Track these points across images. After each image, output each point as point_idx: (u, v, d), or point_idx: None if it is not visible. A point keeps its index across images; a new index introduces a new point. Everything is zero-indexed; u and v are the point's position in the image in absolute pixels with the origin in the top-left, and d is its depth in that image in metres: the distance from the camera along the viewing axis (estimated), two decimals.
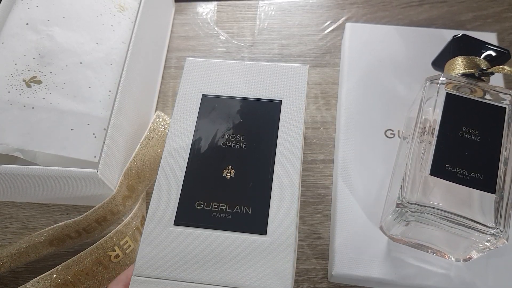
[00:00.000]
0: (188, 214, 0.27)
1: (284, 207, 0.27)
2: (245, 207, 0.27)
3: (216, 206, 0.27)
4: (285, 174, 0.28)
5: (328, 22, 0.51)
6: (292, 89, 0.32)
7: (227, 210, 0.27)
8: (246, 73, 0.33)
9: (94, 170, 0.33)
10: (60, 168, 0.34)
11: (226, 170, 0.29)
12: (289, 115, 0.31)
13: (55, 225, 0.35)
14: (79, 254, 0.35)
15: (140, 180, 0.39)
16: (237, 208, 0.27)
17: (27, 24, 0.40)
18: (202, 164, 0.29)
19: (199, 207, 0.28)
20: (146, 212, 0.30)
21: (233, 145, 0.29)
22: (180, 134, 0.31)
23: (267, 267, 0.25)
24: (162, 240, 0.27)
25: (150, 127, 0.40)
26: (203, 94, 0.32)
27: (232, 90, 0.32)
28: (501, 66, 0.33)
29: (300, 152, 0.29)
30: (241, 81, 0.32)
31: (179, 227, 0.27)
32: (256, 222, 0.27)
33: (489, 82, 0.34)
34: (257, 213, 0.27)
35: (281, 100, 0.31)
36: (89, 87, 0.38)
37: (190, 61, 0.34)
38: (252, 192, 0.28)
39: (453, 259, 0.33)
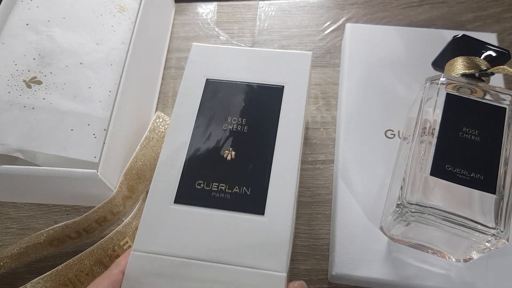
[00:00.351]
0: (188, 193, 0.28)
1: (283, 190, 0.27)
2: (244, 187, 0.27)
3: (216, 186, 0.28)
4: (285, 157, 0.29)
5: (328, 23, 0.51)
6: (295, 75, 0.32)
7: (227, 190, 0.27)
8: (250, 59, 0.33)
9: (94, 171, 0.33)
10: (60, 168, 0.34)
11: (227, 152, 0.29)
12: (291, 101, 0.31)
13: (55, 226, 0.35)
14: (79, 255, 0.35)
15: (140, 181, 0.39)
16: (236, 189, 0.27)
17: (27, 24, 0.40)
18: (204, 146, 0.29)
19: (199, 187, 0.28)
20: None
21: (235, 128, 0.30)
22: (183, 116, 0.31)
23: (264, 246, 0.26)
24: (161, 218, 0.27)
25: (150, 128, 0.40)
26: (207, 78, 0.32)
27: (236, 75, 0.32)
28: (501, 67, 0.33)
29: (300, 136, 0.29)
30: (244, 66, 0.33)
31: (179, 205, 0.28)
32: (254, 203, 0.27)
33: (489, 82, 0.34)
34: (255, 194, 0.27)
35: (283, 86, 0.32)
36: (89, 88, 0.38)
37: (196, 46, 0.35)
38: (252, 173, 0.28)
39: (454, 260, 0.33)
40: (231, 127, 0.30)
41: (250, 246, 0.26)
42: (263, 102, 0.31)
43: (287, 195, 0.27)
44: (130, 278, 0.26)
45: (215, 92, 0.32)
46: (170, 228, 0.27)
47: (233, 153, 0.29)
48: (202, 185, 0.28)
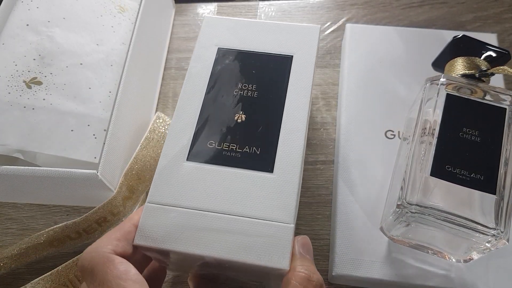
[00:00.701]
0: (200, 152, 0.29)
1: (291, 149, 0.29)
2: (254, 147, 0.29)
3: (226, 146, 0.29)
4: (293, 120, 0.30)
5: (328, 23, 0.51)
6: (304, 46, 0.33)
7: (237, 149, 0.29)
8: (261, 30, 0.35)
9: (94, 171, 0.33)
10: (60, 169, 0.34)
11: (238, 115, 0.30)
12: (300, 69, 0.32)
13: (55, 226, 0.35)
14: (79, 255, 0.35)
15: (140, 181, 0.39)
16: (246, 148, 0.29)
17: (27, 25, 0.40)
18: (215, 109, 0.31)
19: (210, 146, 0.29)
20: None
21: (245, 93, 0.31)
22: (195, 82, 0.32)
23: (273, 200, 0.27)
24: (175, 173, 0.29)
25: (150, 128, 0.40)
26: (218, 47, 0.34)
27: (247, 45, 0.34)
28: (501, 67, 0.33)
29: (308, 101, 0.31)
30: (255, 37, 0.34)
31: (191, 162, 0.29)
32: (264, 161, 0.28)
33: (489, 83, 0.34)
34: (265, 153, 0.29)
35: (292, 56, 0.33)
36: (89, 88, 0.38)
37: (208, 18, 0.36)
38: (262, 135, 0.29)
39: (454, 260, 0.33)
40: (242, 92, 0.31)
41: (259, 199, 0.27)
42: (273, 70, 0.32)
43: (295, 154, 0.29)
44: (143, 229, 0.27)
45: (226, 60, 0.33)
46: (183, 182, 0.28)
47: (243, 116, 0.30)
48: (213, 144, 0.29)
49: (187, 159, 0.29)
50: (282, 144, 0.29)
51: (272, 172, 0.28)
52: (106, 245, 0.25)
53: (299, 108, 0.30)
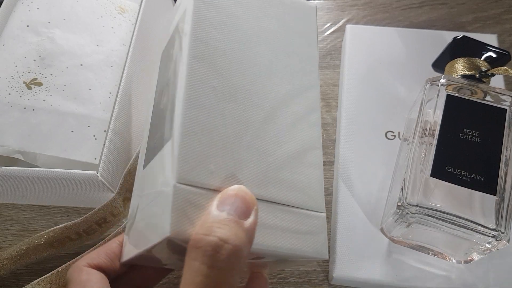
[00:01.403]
0: (148, 155, 0.30)
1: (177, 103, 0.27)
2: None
3: (153, 134, 0.30)
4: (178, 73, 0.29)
5: (328, 24, 0.51)
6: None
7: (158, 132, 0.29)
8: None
9: (95, 172, 0.33)
10: (60, 170, 0.34)
11: (162, 102, 0.30)
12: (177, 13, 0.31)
13: (55, 227, 0.35)
14: (79, 256, 0.34)
15: None
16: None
17: (27, 26, 0.40)
18: (157, 111, 0.31)
19: (151, 146, 0.30)
20: None
21: (168, 82, 0.31)
22: (151, 95, 0.34)
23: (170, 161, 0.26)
24: (136, 185, 0.30)
25: None
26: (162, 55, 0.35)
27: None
28: (501, 68, 0.33)
29: (186, 51, 0.28)
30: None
31: (144, 169, 0.29)
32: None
33: (489, 83, 0.34)
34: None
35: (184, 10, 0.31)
36: (90, 89, 0.38)
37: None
38: (170, 106, 0.29)
39: (454, 261, 0.33)
40: (167, 82, 0.31)
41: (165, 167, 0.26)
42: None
43: (179, 105, 0.27)
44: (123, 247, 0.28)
45: (162, 62, 0.34)
46: (137, 190, 0.29)
47: (165, 99, 0.30)
48: (152, 142, 0.30)
49: (143, 168, 0.30)
50: (178, 102, 0.27)
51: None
52: (85, 259, 0.27)
53: (181, 59, 0.28)
